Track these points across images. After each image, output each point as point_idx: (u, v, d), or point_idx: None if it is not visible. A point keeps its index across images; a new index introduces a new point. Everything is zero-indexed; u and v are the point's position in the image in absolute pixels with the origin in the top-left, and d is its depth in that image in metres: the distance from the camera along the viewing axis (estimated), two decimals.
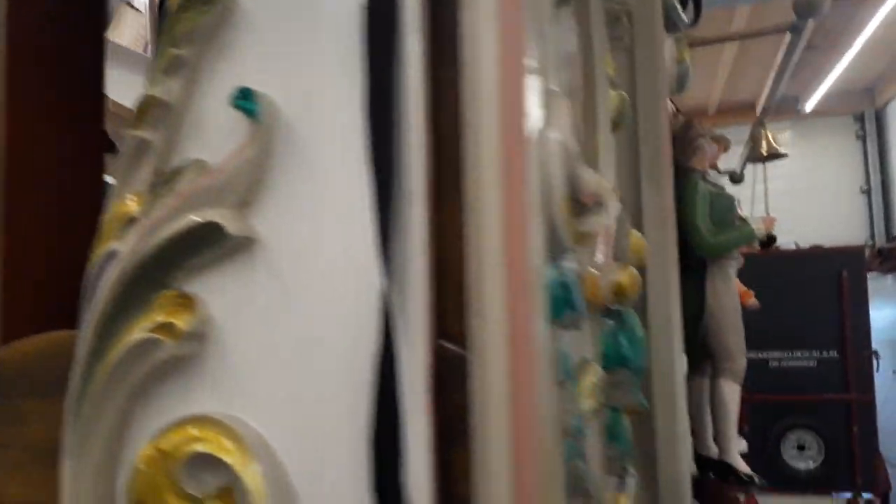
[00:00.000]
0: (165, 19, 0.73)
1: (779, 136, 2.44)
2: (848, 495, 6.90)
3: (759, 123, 2.67)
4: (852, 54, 8.66)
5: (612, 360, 1.13)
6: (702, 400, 2.33)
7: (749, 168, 4.98)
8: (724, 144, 2.99)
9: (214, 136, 0.71)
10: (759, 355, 7.14)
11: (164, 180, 0.71)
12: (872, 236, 10.68)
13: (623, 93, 1.56)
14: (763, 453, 7.03)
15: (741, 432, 7.08)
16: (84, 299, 0.72)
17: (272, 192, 0.69)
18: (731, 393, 2.28)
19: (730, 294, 2.28)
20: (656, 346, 1.66)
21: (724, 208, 2.27)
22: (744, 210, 4.05)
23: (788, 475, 6.97)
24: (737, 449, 2.30)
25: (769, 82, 5.24)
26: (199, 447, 0.65)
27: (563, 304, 0.81)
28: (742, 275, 7.30)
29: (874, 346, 9.07)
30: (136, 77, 0.91)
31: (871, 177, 10.71)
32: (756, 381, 7.09)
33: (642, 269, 1.73)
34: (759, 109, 5.64)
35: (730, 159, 4.81)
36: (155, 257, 0.68)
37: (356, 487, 0.64)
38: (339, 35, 0.68)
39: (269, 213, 0.69)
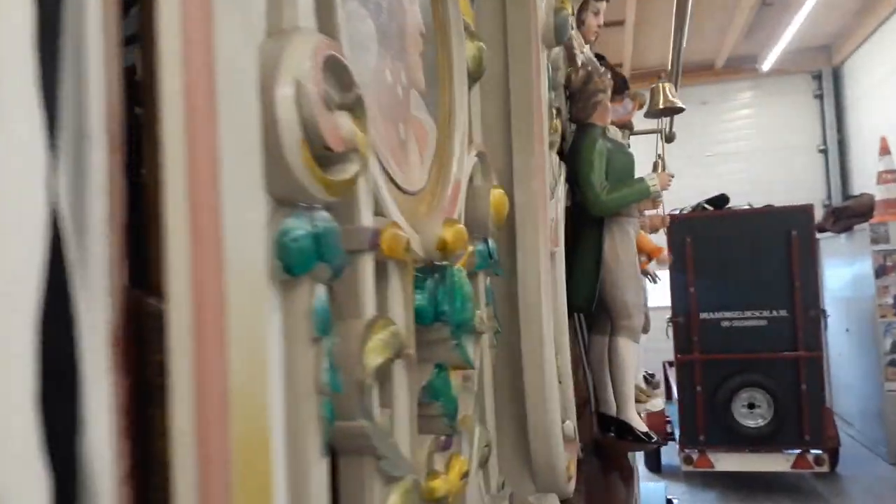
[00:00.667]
0: None
1: (671, 89, 2.42)
2: (797, 451, 7.06)
3: (658, 79, 2.66)
4: (807, 10, 8.64)
5: (429, 316, 1.09)
6: (602, 358, 2.32)
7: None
8: (638, 101, 2.95)
9: None
10: (712, 315, 7.24)
11: None
12: (829, 196, 10.78)
13: (481, 44, 1.51)
14: (715, 412, 7.16)
15: (694, 391, 7.22)
16: None
17: None
18: (628, 350, 2.27)
19: (627, 251, 2.25)
20: (525, 304, 1.63)
21: (623, 166, 2.23)
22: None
23: (739, 433, 7.11)
24: (634, 406, 2.30)
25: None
26: None
27: (311, 257, 0.77)
28: (693, 234, 7.37)
29: (827, 304, 9.25)
30: None
31: (828, 136, 10.78)
32: (709, 341, 7.21)
33: (511, 228, 1.70)
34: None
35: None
36: None
37: (28, 460, 0.59)
38: None
39: None
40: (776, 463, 7.19)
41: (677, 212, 7.73)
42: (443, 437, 1.15)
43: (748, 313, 7.12)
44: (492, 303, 1.56)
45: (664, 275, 8.40)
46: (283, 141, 0.72)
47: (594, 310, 2.27)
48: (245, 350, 0.65)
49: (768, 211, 7.35)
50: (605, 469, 2.22)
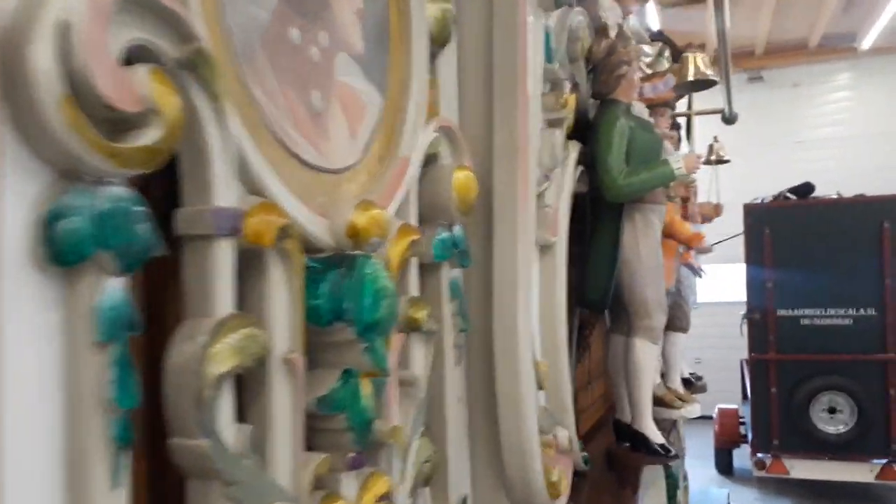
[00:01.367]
0: None
1: (703, 60, 2.11)
2: (884, 461, 6.52)
3: (685, 49, 2.37)
4: None
5: (326, 315, 0.93)
6: (620, 360, 2.09)
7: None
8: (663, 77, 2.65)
9: None
10: (791, 312, 6.75)
11: None
12: None
13: (448, 7, 1.32)
14: (790, 416, 6.70)
15: (768, 392, 6.75)
16: None
17: None
18: (646, 354, 2.02)
19: (649, 242, 2.01)
20: (499, 301, 1.44)
21: (647, 147, 1.98)
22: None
23: (818, 439, 6.62)
24: (651, 417, 2.06)
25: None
26: None
27: (87, 243, 0.62)
28: (773, 225, 6.83)
29: None
30: None
31: None
32: (786, 339, 6.73)
33: (488, 212, 1.52)
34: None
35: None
36: None
37: None
38: None
39: None
40: (859, 473, 6.66)
41: (758, 200, 7.24)
42: (350, 455, 0.99)
43: (831, 311, 6.59)
44: (459, 298, 1.38)
45: (733, 268, 7.90)
46: (36, 96, 0.58)
47: (612, 307, 2.05)
48: None
49: (859, 201, 6.76)
50: (619, 483, 2.01)
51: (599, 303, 2.03)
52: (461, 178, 1.34)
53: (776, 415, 6.76)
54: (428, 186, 1.35)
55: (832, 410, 6.66)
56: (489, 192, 1.49)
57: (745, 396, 8.35)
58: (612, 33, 2.41)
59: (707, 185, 3.56)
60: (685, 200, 2.98)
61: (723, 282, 9.54)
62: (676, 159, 1.93)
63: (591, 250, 2.07)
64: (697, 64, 2.09)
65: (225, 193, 0.80)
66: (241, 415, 0.87)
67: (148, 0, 0.70)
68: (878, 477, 6.59)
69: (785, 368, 6.75)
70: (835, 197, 7.10)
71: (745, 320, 7.04)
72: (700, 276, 2.93)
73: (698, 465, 8.40)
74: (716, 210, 3.42)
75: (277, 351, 0.88)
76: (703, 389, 3.42)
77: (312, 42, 1.02)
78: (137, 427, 0.72)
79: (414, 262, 1.25)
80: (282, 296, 0.89)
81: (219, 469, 0.77)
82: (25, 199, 0.61)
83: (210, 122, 0.78)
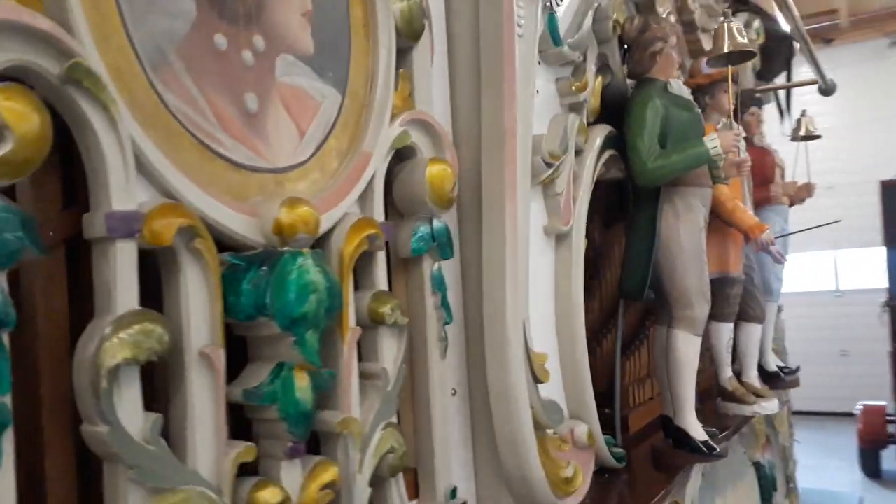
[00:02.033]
0: None
1: (739, 29, 1.87)
2: None
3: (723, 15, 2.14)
4: None
5: (245, 310, 0.96)
6: (663, 353, 1.97)
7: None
8: None
9: None
10: None
11: None
12: None
13: (415, 0, 1.32)
14: None
15: None
16: None
17: None
18: (688, 345, 1.88)
19: (691, 228, 1.86)
20: (489, 292, 1.41)
21: (685, 126, 1.84)
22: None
23: None
24: (693, 412, 1.91)
25: None
26: None
27: None
28: None
29: None
30: None
31: None
32: None
33: (477, 201, 1.49)
34: None
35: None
36: None
37: None
38: None
39: None
40: None
41: None
42: (289, 445, 1.02)
43: None
44: (442, 291, 1.38)
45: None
46: None
47: (655, 297, 1.93)
48: None
49: None
50: (665, 480, 1.91)
51: (636, 291, 1.92)
52: (435, 171, 1.33)
53: None
54: (404, 180, 1.36)
55: None
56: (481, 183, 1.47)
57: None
58: (665, 9, 2.28)
59: (793, 163, 3.28)
60: (764, 182, 2.75)
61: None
62: (711, 138, 1.79)
63: (629, 237, 1.98)
64: (734, 34, 1.92)
65: (123, 197, 0.86)
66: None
67: (21, 25, 0.77)
68: None
69: None
70: None
71: (887, 308, 6.41)
72: (781, 264, 2.69)
73: (842, 466, 7.76)
74: (806, 190, 3.13)
75: (194, 345, 0.93)
76: (793, 384, 3.15)
77: (245, 47, 1.06)
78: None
79: (381, 255, 1.26)
80: (198, 293, 0.94)
81: (119, 453, 0.83)
82: None
83: (103, 131, 0.84)
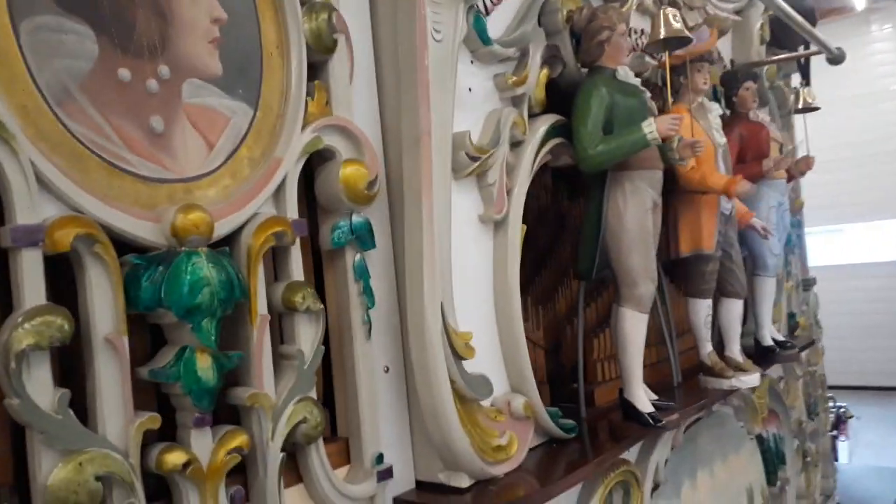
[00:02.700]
0: None
1: (675, 16, 1.85)
2: None
3: None
4: None
5: (144, 303, 1.14)
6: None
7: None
8: (718, 27, 2.39)
9: None
10: None
11: None
12: None
13: (323, 19, 1.46)
14: None
15: None
16: None
17: None
18: (634, 323, 1.94)
19: (637, 209, 1.92)
20: (410, 279, 1.55)
21: (630, 112, 1.89)
22: None
23: None
24: (641, 386, 1.97)
25: None
26: None
27: None
28: None
29: None
30: None
31: None
32: None
33: (392, 204, 1.63)
34: None
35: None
36: None
37: None
38: None
39: None
40: None
41: None
42: (196, 415, 1.20)
43: None
44: (364, 279, 1.53)
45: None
46: None
47: (610, 276, 2.00)
48: None
49: None
50: (614, 451, 2.00)
51: (586, 272, 2.01)
52: (349, 171, 1.49)
53: None
54: (323, 181, 1.52)
55: None
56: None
57: None
58: None
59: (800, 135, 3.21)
60: (759, 157, 2.72)
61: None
62: (648, 123, 1.85)
63: (582, 220, 2.06)
64: (669, 21, 1.95)
65: (27, 213, 1.05)
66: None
67: None
68: None
69: None
70: None
71: None
72: (766, 239, 2.68)
73: None
74: (805, 163, 3.07)
75: (100, 332, 1.12)
76: (790, 359, 3.13)
77: (150, 76, 1.23)
78: None
79: (296, 249, 1.42)
80: (101, 289, 1.12)
81: (30, 421, 1.03)
82: None
83: (6, 161, 1.02)
